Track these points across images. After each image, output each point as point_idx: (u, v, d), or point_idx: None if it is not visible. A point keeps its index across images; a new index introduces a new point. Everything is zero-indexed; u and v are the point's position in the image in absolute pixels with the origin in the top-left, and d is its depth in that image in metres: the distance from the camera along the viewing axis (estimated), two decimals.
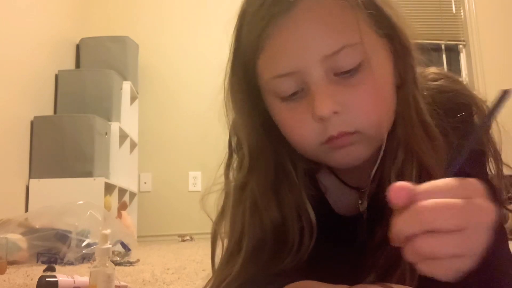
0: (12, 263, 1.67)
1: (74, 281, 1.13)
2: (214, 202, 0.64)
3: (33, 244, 1.80)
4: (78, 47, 3.25)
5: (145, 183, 3.43)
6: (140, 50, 3.39)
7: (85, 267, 1.65)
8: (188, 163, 3.43)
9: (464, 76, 3.84)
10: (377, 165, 0.57)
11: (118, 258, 1.86)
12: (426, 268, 0.34)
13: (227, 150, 0.65)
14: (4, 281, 1.34)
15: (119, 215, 2.74)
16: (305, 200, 0.60)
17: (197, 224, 2.79)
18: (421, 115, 0.56)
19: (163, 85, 3.55)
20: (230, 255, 0.60)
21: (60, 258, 1.77)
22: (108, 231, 0.84)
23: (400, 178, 0.56)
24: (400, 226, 0.35)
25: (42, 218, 1.93)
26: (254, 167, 0.61)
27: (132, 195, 3.22)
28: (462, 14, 3.95)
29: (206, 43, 3.36)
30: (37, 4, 2.73)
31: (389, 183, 0.56)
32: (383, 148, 0.57)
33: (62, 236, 1.83)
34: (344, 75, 0.52)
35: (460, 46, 3.94)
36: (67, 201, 2.10)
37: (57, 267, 1.60)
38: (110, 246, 0.84)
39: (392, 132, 0.57)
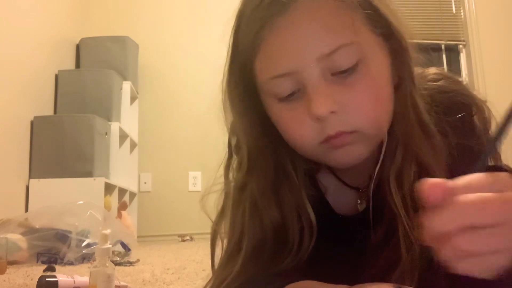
0: (12, 263, 1.67)
1: (74, 281, 1.13)
2: (214, 202, 0.64)
3: (33, 244, 1.80)
4: (78, 47, 3.25)
5: (145, 183, 3.43)
6: (140, 50, 3.40)
7: (85, 267, 1.65)
8: (188, 163, 3.43)
9: (464, 76, 3.84)
10: (379, 164, 0.57)
11: (118, 258, 1.86)
12: (465, 266, 0.33)
13: (226, 150, 0.65)
14: (4, 281, 1.34)
15: (119, 215, 2.74)
16: (305, 200, 0.60)
17: (197, 224, 2.79)
18: (419, 114, 0.56)
19: (163, 85, 3.55)
20: (230, 255, 0.61)
21: (60, 258, 1.77)
22: (108, 231, 0.84)
23: (400, 177, 0.56)
24: (438, 222, 0.33)
25: (42, 218, 1.93)
26: (253, 168, 0.61)
27: (132, 195, 3.22)
28: (462, 14, 3.95)
29: (206, 43, 3.35)
30: (37, 4, 2.73)
31: (389, 182, 0.56)
32: (384, 147, 0.57)
33: (62, 236, 1.83)
34: (341, 75, 0.52)
35: (460, 46, 3.94)
36: (67, 201, 2.10)
37: (57, 267, 1.60)
38: (110, 246, 0.84)
39: (390, 131, 0.57)
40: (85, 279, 1.12)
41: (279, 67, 0.53)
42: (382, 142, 0.58)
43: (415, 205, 0.55)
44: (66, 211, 1.97)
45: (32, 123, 2.55)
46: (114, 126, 2.84)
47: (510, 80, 3.68)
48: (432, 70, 0.64)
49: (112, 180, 2.73)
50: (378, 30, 0.54)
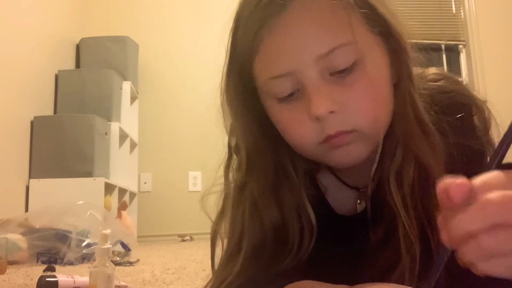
0: (12, 263, 1.67)
1: (74, 281, 1.13)
2: (214, 202, 0.64)
3: (33, 244, 1.80)
4: (78, 47, 3.25)
5: (145, 183, 3.43)
6: (140, 50, 3.40)
7: (85, 267, 1.65)
8: (188, 163, 3.43)
9: (464, 76, 3.84)
10: (375, 164, 0.57)
11: (118, 258, 1.86)
12: (489, 266, 0.32)
13: (226, 150, 0.65)
14: (4, 281, 1.34)
15: (119, 215, 2.74)
16: (305, 200, 0.60)
17: (197, 224, 2.79)
18: (418, 113, 0.56)
19: (163, 85, 3.55)
20: (230, 255, 0.61)
21: (60, 258, 1.77)
22: (108, 231, 0.84)
23: (399, 177, 0.56)
24: (463, 222, 0.32)
25: (42, 218, 1.93)
26: (253, 168, 0.61)
27: (132, 195, 3.22)
28: (462, 14, 3.95)
29: (206, 43, 3.35)
30: (37, 4, 2.73)
31: (388, 182, 0.57)
32: (380, 146, 0.57)
33: (62, 236, 1.83)
34: (339, 75, 0.52)
35: (460, 46, 3.94)
36: (67, 201, 2.10)
37: (57, 267, 1.60)
38: (110, 246, 0.84)
39: (390, 131, 0.57)
40: (85, 279, 1.12)
41: (277, 67, 0.54)
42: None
43: (415, 205, 0.55)
44: (66, 211, 1.97)
45: (32, 123, 2.55)
46: (114, 126, 2.84)
47: (510, 80, 3.68)
48: (432, 70, 0.64)
49: (112, 180, 2.73)
50: (376, 29, 0.55)
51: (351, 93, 0.53)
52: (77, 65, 3.22)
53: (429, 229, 0.53)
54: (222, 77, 0.61)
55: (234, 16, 0.58)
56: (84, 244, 1.83)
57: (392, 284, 0.47)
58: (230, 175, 0.64)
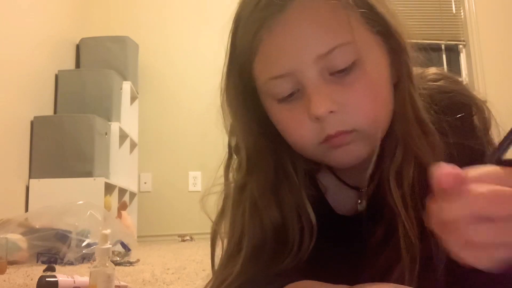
0: (12, 263, 1.67)
1: (74, 281, 1.13)
2: (214, 202, 0.64)
3: (33, 244, 1.80)
4: (78, 47, 3.25)
5: (145, 183, 3.43)
6: (140, 50, 3.39)
7: (85, 267, 1.65)
8: (188, 163, 3.43)
9: (464, 76, 3.84)
10: (372, 163, 0.57)
11: (118, 258, 1.86)
12: (469, 256, 0.33)
13: (227, 150, 0.65)
14: (4, 281, 1.34)
15: (119, 215, 2.74)
16: (305, 200, 0.60)
17: (197, 224, 2.79)
18: (417, 112, 0.56)
19: (163, 85, 3.55)
20: (230, 255, 0.61)
21: (60, 258, 1.77)
22: (108, 231, 0.84)
23: (399, 177, 0.56)
24: (448, 209, 0.33)
25: (42, 218, 1.93)
26: (253, 168, 0.61)
27: (132, 195, 3.22)
28: (462, 14, 3.95)
29: (206, 43, 3.35)
30: (37, 4, 2.73)
31: (388, 182, 0.56)
32: (377, 146, 0.57)
33: (62, 236, 1.83)
34: (339, 74, 0.53)
35: (460, 46, 3.94)
36: (67, 201, 2.10)
37: (57, 267, 1.60)
38: (110, 246, 0.84)
39: (390, 131, 0.57)
40: (85, 279, 1.12)
41: (277, 68, 0.54)
42: (381, 142, 0.58)
43: (415, 205, 0.55)
44: (66, 211, 1.97)
45: (32, 123, 2.55)
46: (114, 126, 2.84)
47: (510, 80, 3.68)
48: (432, 70, 0.64)
49: (112, 180, 2.73)
50: (376, 29, 0.55)
51: (351, 93, 0.53)
52: (77, 65, 3.22)
53: (429, 229, 0.53)
54: (222, 77, 0.61)
55: (233, 17, 0.58)
56: (84, 244, 1.83)
57: (392, 284, 0.47)
58: (230, 175, 0.64)
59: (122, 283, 1.14)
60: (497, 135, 0.59)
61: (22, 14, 2.52)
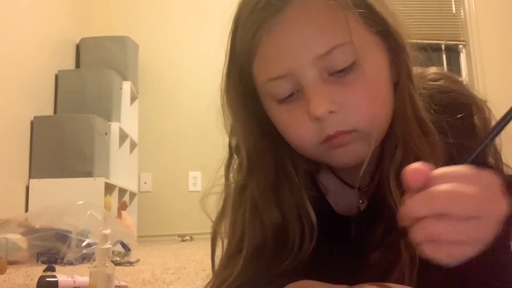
0: (12, 263, 1.67)
1: (74, 281, 1.13)
2: (214, 202, 0.64)
3: (33, 244, 1.80)
4: (78, 47, 3.25)
5: (145, 183, 3.43)
6: (140, 50, 3.39)
7: (85, 267, 1.65)
8: (188, 163, 3.43)
9: (464, 76, 3.84)
10: (366, 163, 0.57)
11: (118, 258, 1.86)
12: (429, 250, 0.35)
13: (227, 150, 0.65)
14: (4, 281, 1.34)
15: (119, 215, 2.74)
16: (305, 201, 0.60)
17: (197, 224, 2.79)
18: (417, 112, 0.56)
19: (163, 85, 3.55)
20: (231, 255, 0.61)
21: (60, 258, 1.77)
22: (108, 231, 0.84)
23: (399, 177, 0.56)
24: (413, 207, 0.35)
25: (42, 218, 1.93)
26: (253, 169, 0.61)
27: (132, 195, 3.22)
28: (462, 14, 3.95)
29: (206, 43, 3.35)
30: (37, 4, 2.73)
31: (388, 182, 0.56)
32: (373, 145, 0.57)
33: (62, 236, 1.83)
34: (338, 75, 0.53)
35: (460, 46, 3.94)
36: (67, 201, 2.10)
37: (57, 267, 1.60)
38: (110, 246, 0.84)
39: (390, 130, 0.57)
40: (85, 279, 1.12)
41: (276, 69, 0.54)
42: (381, 141, 0.58)
43: None
44: (66, 211, 1.96)
45: (32, 123, 2.55)
46: (114, 126, 2.84)
47: (510, 80, 3.68)
48: (433, 69, 0.64)
49: (112, 180, 2.73)
50: (375, 28, 0.55)
51: (350, 93, 0.53)
52: (77, 65, 3.22)
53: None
54: (222, 78, 0.61)
55: (233, 18, 0.58)
56: (84, 244, 1.83)
57: (392, 284, 0.47)
58: (231, 175, 0.64)
59: (122, 283, 1.14)
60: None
61: (22, 14, 2.52)
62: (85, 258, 1.80)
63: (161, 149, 3.46)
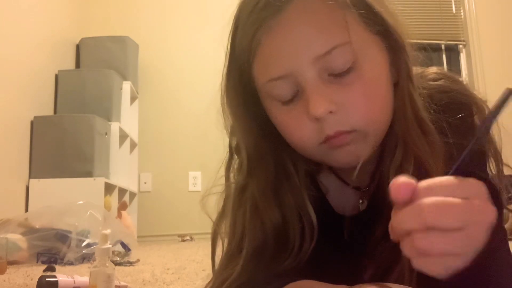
0: (12, 263, 1.67)
1: (74, 281, 1.13)
2: (215, 202, 0.64)
3: (33, 244, 1.80)
4: (78, 47, 3.25)
5: (145, 183, 3.43)
6: (140, 50, 3.39)
7: (85, 267, 1.65)
8: (188, 163, 3.43)
9: (464, 76, 3.84)
10: (360, 163, 0.57)
11: (118, 258, 1.86)
12: (420, 264, 0.35)
13: (227, 150, 0.65)
14: (4, 281, 1.34)
15: (119, 215, 2.74)
16: (306, 201, 0.60)
17: (197, 224, 2.79)
18: (417, 111, 0.56)
19: (163, 85, 3.55)
20: (231, 256, 0.61)
21: (60, 258, 1.77)
22: (108, 231, 0.84)
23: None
24: (400, 221, 0.35)
25: (42, 218, 1.93)
26: (253, 169, 0.61)
27: (132, 195, 3.22)
28: (462, 14, 3.95)
29: (206, 43, 3.35)
30: (37, 4, 2.73)
31: (388, 181, 0.56)
32: (373, 145, 0.57)
33: (62, 236, 1.83)
34: (337, 75, 0.53)
35: (460, 46, 3.94)
36: (67, 201, 2.10)
37: (57, 267, 1.60)
38: (110, 246, 0.84)
39: (390, 130, 0.57)
40: (85, 279, 1.12)
41: (276, 69, 0.54)
42: (381, 141, 0.58)
43: None
44: (66, 211, 1.97)
45: (32, 123, 2.55)
46: (114, 126, 2.84)
47: (510, 80, 3.67)
48: (433, 69, 0.64)
49: (112, 180, 2.73)
50: (374, 28, 0.55)
51: (350, 93, 0.53)
52: (77, 65, 3.22)
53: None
54: (222, 79, 0.61)
55: (233, 18, 0.58)
56: (84, 244, 1.83)
57: (392, 284, 0.47)
58: (231, 175, 0.64)
59: (122, 283, 1.14)
60: (497, 135, 0.59)
61: (22, 14, 2.52)
62: (85, 258, 1.80)
63: (161, 149, 3.46)
